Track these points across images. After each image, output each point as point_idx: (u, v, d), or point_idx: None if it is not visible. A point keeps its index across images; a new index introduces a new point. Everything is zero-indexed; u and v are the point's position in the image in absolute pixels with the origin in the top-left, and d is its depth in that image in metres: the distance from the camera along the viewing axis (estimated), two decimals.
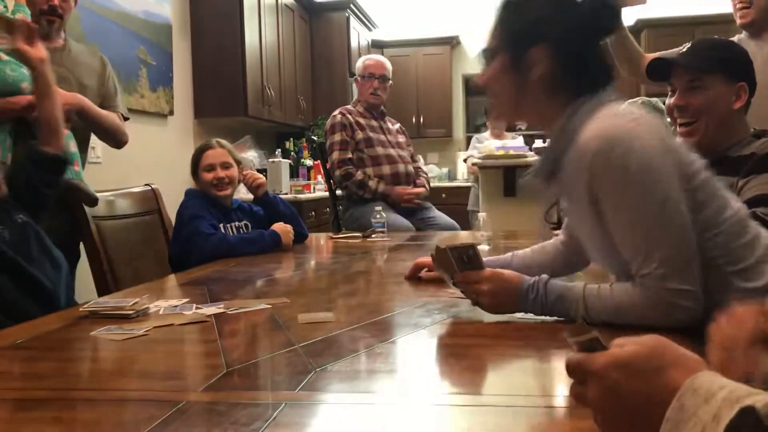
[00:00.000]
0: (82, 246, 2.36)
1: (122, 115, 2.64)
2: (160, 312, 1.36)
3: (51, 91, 1.95)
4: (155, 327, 1.23)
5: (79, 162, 2.39)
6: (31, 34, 1.93)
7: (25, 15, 2.25)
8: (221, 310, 1.35)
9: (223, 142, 2.52)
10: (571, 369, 0.62)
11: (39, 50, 1.92)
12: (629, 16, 6.67)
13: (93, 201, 2.34)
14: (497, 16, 1.28)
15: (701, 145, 1.67)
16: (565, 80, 1.21)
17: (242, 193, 2.90)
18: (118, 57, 3.58)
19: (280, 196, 2.88)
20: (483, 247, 2.30)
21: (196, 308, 1.38)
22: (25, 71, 2.25)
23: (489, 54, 1.28)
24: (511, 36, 1.25)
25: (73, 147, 2.34)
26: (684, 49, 1.84)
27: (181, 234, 2.32)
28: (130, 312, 1.30)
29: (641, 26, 6.61)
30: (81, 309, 1.36)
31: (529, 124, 1.39)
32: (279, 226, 2.44)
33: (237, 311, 1.35)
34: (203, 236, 2.25)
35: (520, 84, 1.24)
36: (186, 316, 1.31)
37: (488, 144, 4.39)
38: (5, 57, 2.20)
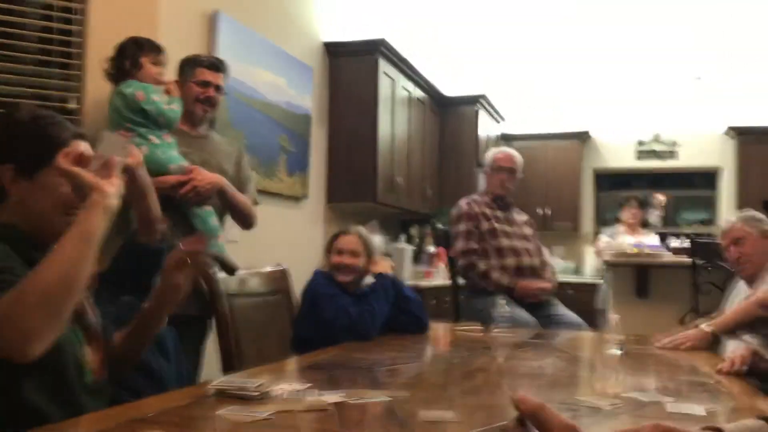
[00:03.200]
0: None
1: (254, 199, 2.82)
2: (284, 396, 1.37)
3: (146, 191, 1.97)
4: (278, 411, 1.23)
5: (223, 235, 2.59)
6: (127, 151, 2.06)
7: (179, 106, 2.50)
8: (342, 399, 1.34)
9: (361, 230, 2.57)
10: None
11: (135, 156, 1.97)
12: None
13: (233, 271, 2.48)
14: None
15: None
16: None
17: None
18: (260, 143, 3.82)
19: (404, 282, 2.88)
20: (615, 352, 2.17)
21: (318, 394, 1.37)
22: (174, 154, 2.46)
23: None
24: None
25: (215, 221, 2.55)
26: None
27: (316, 313, 2.36)
28: (255, 393, 1.32)
29: None
30: (208, 387, 1.40)
31: None
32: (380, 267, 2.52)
33: (358, 401, 1.34)
34: (349, 314, 2.30)
35: None
36: (308, 403, 1.31)
37: (621, 240, 4.22)
38: (156, 140, 2.43)
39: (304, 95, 4.33)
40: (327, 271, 2.50)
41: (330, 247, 2.52)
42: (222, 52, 3.37)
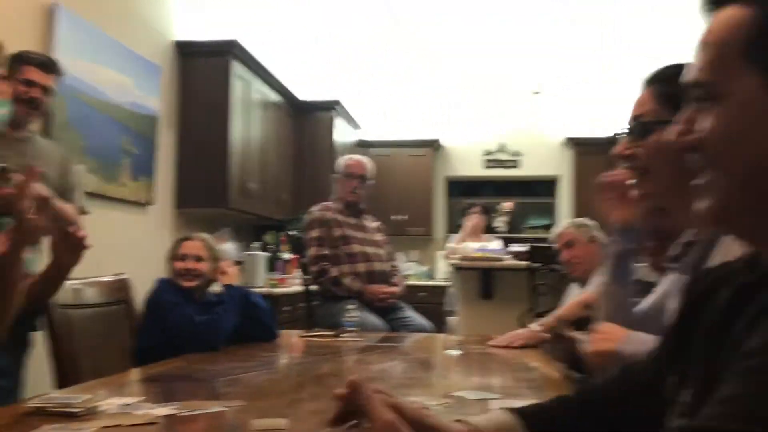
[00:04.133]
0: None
1: (81, 209, 2.70)
2: (111, 411, 1.31)
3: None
4: (103, 427, 1.18)
5: (30, 249, 2.39)
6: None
7: (6, 109, 2.33)
8: (173, 412, 1.31)
9: (205, 236, 2.53)
10: None
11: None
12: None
13: None
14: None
15: None
16: None
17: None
18: (101, 145, 3.64)
19: (254, 289, 2.86)
20: (453, 353, 2.27)
21: (149, 408, 1.33)
22: None
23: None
24: None
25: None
26: None
27: (159, 322, 2.28)
28: (78, 410, 1.26)
29: None
30: (28, 405, 1.31)
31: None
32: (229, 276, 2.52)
33: (190, 413, 1.31)
34: (193, 322, 2.24)
35: None
36: (136, 417, 1.26)
37: (466, 245, 4.43)
38: None
39: (151, 96, 4.17)
40: (171, 279, 2.43)
41: (173, 254, 2.46)
42: (60, 48, 3.18)
